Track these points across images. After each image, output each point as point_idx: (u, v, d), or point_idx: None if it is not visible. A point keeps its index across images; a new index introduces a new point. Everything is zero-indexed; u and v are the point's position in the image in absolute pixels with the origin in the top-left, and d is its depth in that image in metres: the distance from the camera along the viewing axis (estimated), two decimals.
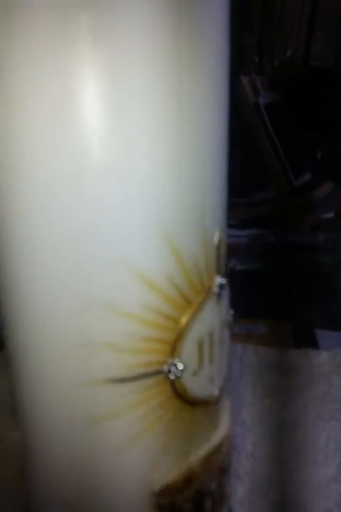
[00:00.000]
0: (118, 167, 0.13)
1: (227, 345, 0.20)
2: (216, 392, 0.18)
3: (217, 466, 0.19)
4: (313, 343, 0.41)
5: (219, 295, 0.17)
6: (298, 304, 0.49)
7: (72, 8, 0.12)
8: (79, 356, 0.15)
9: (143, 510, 0.17)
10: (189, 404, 0.17)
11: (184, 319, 0.16)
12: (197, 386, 0.17)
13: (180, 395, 0.17)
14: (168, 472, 0.17)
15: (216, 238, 0.16)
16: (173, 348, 0.16)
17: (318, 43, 0.99)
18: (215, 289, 0.17)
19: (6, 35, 0.12)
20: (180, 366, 0.16)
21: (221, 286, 0.17)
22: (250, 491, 0.26)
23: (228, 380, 0.20)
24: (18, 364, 0.17)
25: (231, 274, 0.58)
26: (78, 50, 0.12)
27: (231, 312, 0.20)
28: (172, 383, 0.16)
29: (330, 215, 0.71)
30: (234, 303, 0.52)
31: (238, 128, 0.77)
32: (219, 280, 0.17)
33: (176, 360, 0.16)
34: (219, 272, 0.17)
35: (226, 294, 0.18)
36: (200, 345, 0.17)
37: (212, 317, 0.17)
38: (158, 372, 0.16)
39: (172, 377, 0.16)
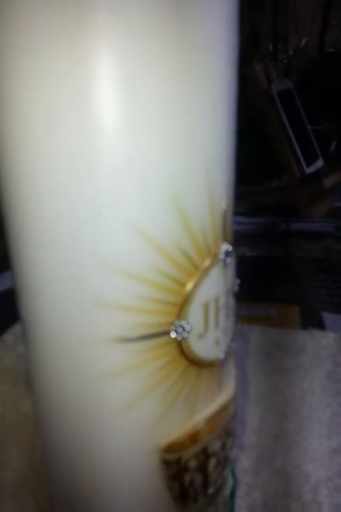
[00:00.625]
0: (130, 135, 0.14)
1: (233, 312, 0.20)
2: (221, 355, 0.19)
3: (222, 426, 0.20)
4: (320, 326, 0.41)
5: (225, 262, 0.18)
6: (306, 289, 0.49)
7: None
8: (88, 316, 0.16)
9: (151, 466, 0.18)
10: (195, 365, 0.18)
11: (191, 283, 0.17)
12: (202, 348, 0.18)
13: (186, 355, 0.17)
14: (174, 429, 0.18)
15: (223, 205, 0.17)
16: (180, 310, 0.17)
17: (334, 30, 0.99)
18: (221, 256, 0.18)
19: (24, 24, 0.13)
20: (187, 328, 0.17)
21: (227, 253, 0.18)
22: (254, 461, 0.27)
23: (233, 345, 0.21)
24: (31, 330, 0.18)
25: (241, 260, 0.58)
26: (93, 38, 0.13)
27: (238, 281, 0.21)
28: (179, 344, 0.17)
29: None
30: (243, 287, 0.53)
31: (251, 115, 0.78)
32: (225, 247, 0.18)
33: (183, 322, 0.17)
34: (225, 239, 0.18)
35: (232, 262, 0.19)
36: (206, 309, 0.18)
37: (218, 283, 0.18)
38: (165, 333, 0.17)
39: (179, 338, 0.17)
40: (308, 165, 0.72)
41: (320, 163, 0.76)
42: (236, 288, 0.21)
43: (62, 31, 0.13)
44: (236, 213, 0.65)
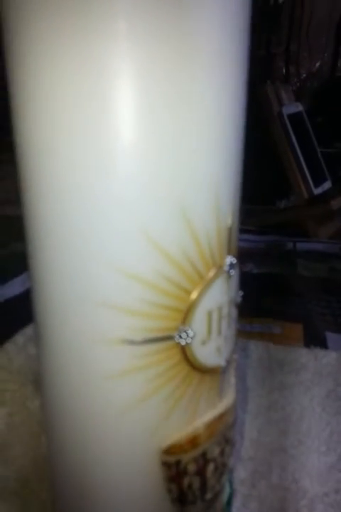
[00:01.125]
0: (143, 143, 0.15)
1: (235, 323, 0.21)
2: (223, 362, 0.20)
3: (221, 433, 0.20)
4: (323, 345, 0.42)
5: (229, 273, 0.19)
6: (310, 308, 0.50)
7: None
8: (95, 317, 0.17)
9: (151, 467, 0.19)
10: (197, 371, 0.19)
11: (196, 292, 0.18)
12: (205, 354, 0.19)
13: (189, 360, 0.18)
14: (175, 432, 0.19)
15: (229, 220, 0.18)
16: (185, 316, 0.18)
17: None
18: (226, 267, 0.18)
19: (47, 31, 0.15)
20: (191, 334, 0.18)
21: (231, 265, 0.19)
22: (252, 473, 0.28)
23: (234, 355, 0.22)
24: (42, 329, 0.19)
25: (247, 277, 0.59)
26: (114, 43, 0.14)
27: (241, 293, 0.22)
28: (183, 349, 0.18)
29: None
30: (249, 304, 0.53)
31: (261, 137, 0.79)
32: (230, 259, 0.19)
33: (187, 328, 0.18)
34: (230, 252, 0.19)
35: (236, 274, 0.20)
36: (210, 317, 0.18)
37: (222, 293, 0.19)
38: (169, 338, 0.17)
39: (182, 343, 0.18)
40: (316, 186, 0.73)
41: (328, 185, 0.77)
42: (239, 299, 0.22)
43: (83, 38, 0.14)
44: (243, 231, 0.66)
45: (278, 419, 0.32)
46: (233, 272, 0.19)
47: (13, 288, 0.50)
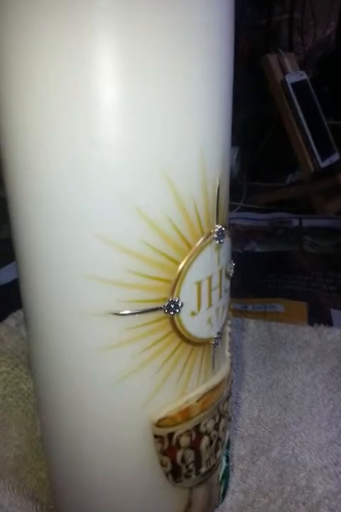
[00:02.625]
0: (124, 109, 0.16)
1: (228, 295, 0.22)
2: (214, 334, 0.20)
3: (214, 406, 0.21)
4: (328, 322, 0.42)
5: (218, 242, 0.19)
6: (316, 285, 0.50)
7: None
8: (83, 289, 0.18)
9: (144, 440, 0.20)
10: (187, 343, 0.19)
11: (184, 261, 0.18)
12: (195, 326, 0.19)
13: (179, 332, 0.19)
14: (166, 404, 0.19)
15: (216, 183, 0.18)
16: (173, 287, 0.18)
17: None
18: (215, 235, 0.19)
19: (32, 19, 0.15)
20: (180, 304, 0.18)
21: (220, 233, 0.19)
22: (251, 449, 0.28)
23: (227, 328, 0.23)
24: (29, 307, 0.20)
25: (250, 256, 0.60)
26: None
27: (233, 264, 0.22)
28: (172, 320, 0.18)
29: None
30: (251, 283, 0.54)
31: (265, 109, 0.79)
32: (219, 227, 0.19)
33: (176, 299, 0.18)
34: (219, 219, 0.19)
35: (226, 243, 0.20)
36: (199, 288, 0.19)
37: (211, 262, 0.19)
38: (158, 309, 0.18)
39: (171, 314, 0.18)
40: (323, 159, 0.73)
41: (335, 158, 0.76)
42: (231, 271, 0.22)
43: (67, 13, 0.15)
44: (248, 209, 0.66)
45: (280, 396, 0.33)
46: (222, 241, 0.19)
47: (8, 274, 0.51)
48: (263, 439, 0.29)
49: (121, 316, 0.18)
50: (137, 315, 0.18)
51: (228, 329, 0.24)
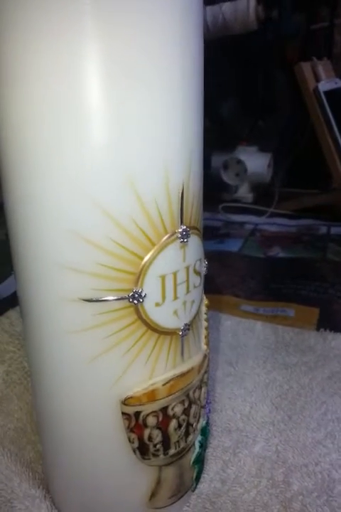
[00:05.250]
0: (97, 119, 0.18)
1: (198, 291, 0.23)
2: (180, 326, 0.22)
3: (183, 393, 0.23)
4: (338, 329, 0.42)
5: (182, 241, 0.21)
6: (331, 293, 0.50)
7: None
8: (58, 278, 0.20)
9: (112, 416, 0.22)
10: (153, 331, 0.21)
11: (147, 256, 0.20)
12: (160, 316, 0.21)
13: (144, 321, 0.21)
14: (134, 385, 0.21)
15: (180, 188, 0.20)
16: (137, 279, 0.20)
17: None
18: (178, 235, 0.21)
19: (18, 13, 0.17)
20: (143, 295, 0.20)
21: (184, 233, 0.21)
22: (236, 443, 0.30)
23: (199, 322, 0.24)
24: (21, 294, 0.22)
25: (271, 261, 0.60)
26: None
27: (206, 264, 0.24)
28: (137, 309, 0.20)
29: None
30: (266, 287, 0.54)
31: (298, 117, 0.79)
32: (183, 227, 0.21)
33: (139, 290, 0.20)
34: (185, 222, 0.21)
35: (194, 243, 0.22)
36: (163, 281, 0.21)
37: (176, 259, 0.21)
38: (123, 299, 0.20)
39: (135, 302, 0.20)
40: None
41: None
42: (203, 269, 0.24)
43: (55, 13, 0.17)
44: (277, 215, 0.67)
45: (273, 396, 0.34)
46: (187, 240, 0.21)
47: None
48: (250, 434, 0.30)
49: (91, 303, 0.20)
50: (104, 302, 0.20)
51: (204, 324, 0.25)
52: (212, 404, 0.33)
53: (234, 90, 0.96)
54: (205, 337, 0.25)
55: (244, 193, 0.91)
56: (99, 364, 0.21)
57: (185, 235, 0.21)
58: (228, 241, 0.72)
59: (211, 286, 0.58)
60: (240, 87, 0.95)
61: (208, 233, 0.76)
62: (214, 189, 0.91)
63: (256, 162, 0.88)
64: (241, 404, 0.33)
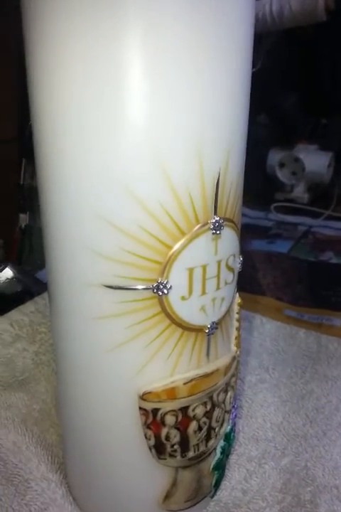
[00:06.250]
0: (128, 105, 0.17)
1: (231, 288, 0.22)
2: (208, 323, 0.21)
3: (205, 394, 0.21)
4: None
5: (215, 232, 0.20)
6: None
7: None
8: (84, 262, 0.19)
9: (130, 410, 0.21)
10: (177, 326, 0.20)
11: (175, 246, 0.19)
12: (186, 311, 0.20)
13: (168, 314, 0.20)
14: (154, 380, 0.21)
15: (215, 178, 0.19)
16: (163, 269, 0.19)
17: None
18: (211, 226, 0.19)
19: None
20: (168, 287, 0.19)
21: (217, 225, 0.20)
22: (263, 453, 0.28)
23: (231, 321, 0.23)
24: (49, 278, 0.22)
25: (322, 267, 0.57)
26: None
27: (241, 260, 0.23)
28: (161, 302, 0.19)
29: None
30: (314, 293, 0.52)
31: None
32: (216, 218, 0.20)
33: (165, 281, 0.19)
34: (219, 212, 0.20)
35: (228, 236, 0.20)
36: (191, 274, 0.20)
37: (207, 252, 0.20)
38: (147, 288, 0.19)
39: (159, 294, 0.19)
40: None
41: None
42: (238, 265, 0.22)
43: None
44: (334, 218, 0.63)
45: (309, 408, 0.32)
46: (220, 232, 0.20)
47: None
48: (279, 445, 0.29)
49: (114, 290, 0.19)
50: (127, 291, 0.19)
51: (235, 324, 0.24)
52: (242, 410, 0.32)
53: (299, 85, 0.92)
54: (236, 338, 0.24)
55: (300, 193, 0.88)
56: (119, 354, 0.20)
57: (218, 227, 0.20)
58: (278, 242, 0.69)
59: (254, 286, 0.57)
60: (305, 81, 0.91)
61: (258, 233, 0.74)
62: (267, 187, 0.88)
63: (315, 161, 0.84)
64: (273, 413, 0.31)
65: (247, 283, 0.57)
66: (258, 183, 0.89)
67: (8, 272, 0.35)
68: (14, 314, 0.36)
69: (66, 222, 0.20)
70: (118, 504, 0.23)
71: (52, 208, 0.20)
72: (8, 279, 0.35)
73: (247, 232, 0.75)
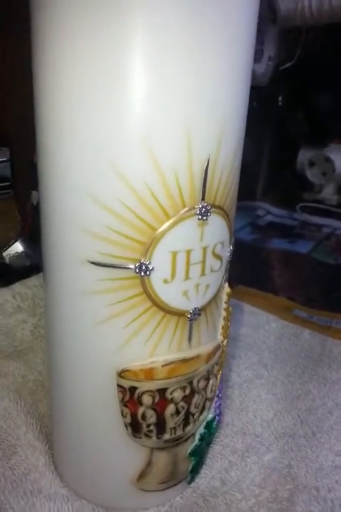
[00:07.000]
0: (117, 84, 0.17)
1: (218, 276, 0.22)
2: (190, 308, 0.21)
3: (185, 378, 0.22)
4: None
5: (201, 218, 0.20)
6: None
7: None
8: (66, 236, 0.20)
9: (109, 386, 0.21)
10: (159, 309, 0.20)
11: (160, 228, 0.19)
12: (167, 294, 0.20)
13: (149, 295, 0.20)
14: (132, 359, 0.21)
15: (204, 161, 0.19)
16: (146, 250, 0.19)
17: None
18: (197, 211, 0.20)
19: None
20: (150, 268, 0.19)
21: (204, 210, 0.20)
22: (247, 447, 0.28)
23: (216, 309, 0.23)
24: (44, 256, 0.23)
25: (338, 269, 0.56)
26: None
27: (231, 249, 0.23)
28: (143, 281, 0.20)
29: None
30: (327, 296, 0.51)
31: None
32: (203, 204, 0.20)
33: (146, 261, 0.19)
34: (207, 198, 0.20)
35: (215, 223, 0.20)
36: (174, 258, 0.20)
37: (192, 237, 0.20)
38: (129, 268, 0.19)
39: (141, 274, 0.20)
40: None
41: None
42: (228, 255, 0.22)
43: None
44: None
45: (302, 408, 0.31)
46: (207, 218, 0.20)
47: None
48: (265, 441, 0.29)
49: (97, 267, 0.20)
50: (110, 269, 0.20)
51: (223, 313, 0.24)
52: (233, 403, 0.32)
53: (335, 83, 0.90)
54: (223, 328, 0.24)
55: (329, 194, 0.85)
56: (101, 331, 0.21)
57: (205, 213, 0.20)
58: (300, 242, 0.68)
59: (268, 285, 0.56)
60: None
61: (280, 231, 0.73)
62: (296, 186, 0.86)
63: None
64: (264, 410, 0.31)
65: (260, 280, 0.56)
66: (286, 182, 0.88)
67: (17, 246, 0.37)
68: (18, 287, 0.37)
69: (56, 198, 0.20)
70: (95, 477, 0.24)
71: (45, 184, 0.21)
72: (17, 253, 0.36)
73: (269, 230, 0.74)
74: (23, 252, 0.37)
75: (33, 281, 0.38)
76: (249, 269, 0.60)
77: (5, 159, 0.39)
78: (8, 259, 0.37)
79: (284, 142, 0.89)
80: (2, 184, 0.40)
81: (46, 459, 0.26)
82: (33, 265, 0.38)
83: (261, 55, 0.67)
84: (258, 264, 0.63)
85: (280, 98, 0.88)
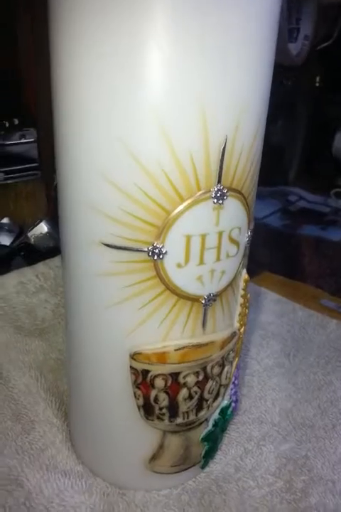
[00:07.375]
0: (132, 64, 0.17)
1: (234, 261, 0.22)
2: (204, 294, 0.21)
3: (198, 364, 0.22)
4: None
5: (216, 201, 0.19)
6: None
7: None
8: (85, 219, 0.20)
9: (122, 368, 0.22)
10: (172, 293, 0.20)
11: (174, 211, 0.19)
12: (181, 279, 0.20)
13: (162, 279, 0.20)
14: (145, 342, 0.21)
15: (221, 145, 0.19)
16: (160, 233, 0.19)
17: None
18: (212, 194, 0.19)
19: None
20: (163, 251, 0.19)
21: (219, 194, 0.19)
22: (263, 435, 0.28)
23: (237, 297, 0.23)
24: (60, 235, 0.23)
25: None
26: None
27: (249, 234, 0.22)
28: (156, 265, 0.20)
29: None
30: None
31: None
32: (219, 187, 0.19)
33: (160, 245, 0.19)
34: (224, 182, 0.19)
35: (232, 207, 0.20)
36: (188, 241, 0.20)
37: (208, 221, 0.20)
38: (142, 250, 0.19)
39: (154, 258, 0.19)
40: None
41: None
42: (246, 240, 0.22)
43: None
44: None
45: (323, 399, 0.31)
46: (222, 202, 0.19)
47: None
48: (282, 431, 0.28)
49: (111, 249, 0.20)
50: (123, 251, 0.20)
51: (240, 300, 0.24)
52: (252, 390, 0.32)
53: None
54: (240, 315, 0.24)
55: None
56: (114, 312, 0.21)
57: (221, 196, 0.19)
58: (331, 229, 0.66)
59: (296, 272, 0.55)
60: None
61: (312, 217, 0.71)
62: (330, 171, 0.84)
63: None
64: (283, 399, 0.31)
65: (289, 267, 0.55)
66: (321, 166, 0.86)
67: (42, 227, 0.37)
68: (41, 267, 0.38)
69: (73, 180, 0.20)
70: (109, 456, 0.24)
71: (62, 166, 0.21)
72: (42, 233, 0.37)
73: (301, 216, 0.72)
74: (47, 233, 0.38)
75: (56, 261, 0.39)
76: (278, 256, 0.59)
77: (32, 140, 0.40)
78: (32, 240, 0.37)
79: (320, 125, 0.86)
80: (30, 165, 0.41)
81: (63, 435, 0.27)
82: (57, 246, 0.39)
83: (297, 34, 0.65)
84: (288, 251, 0.62)
85: (317, 79, 0.85)
